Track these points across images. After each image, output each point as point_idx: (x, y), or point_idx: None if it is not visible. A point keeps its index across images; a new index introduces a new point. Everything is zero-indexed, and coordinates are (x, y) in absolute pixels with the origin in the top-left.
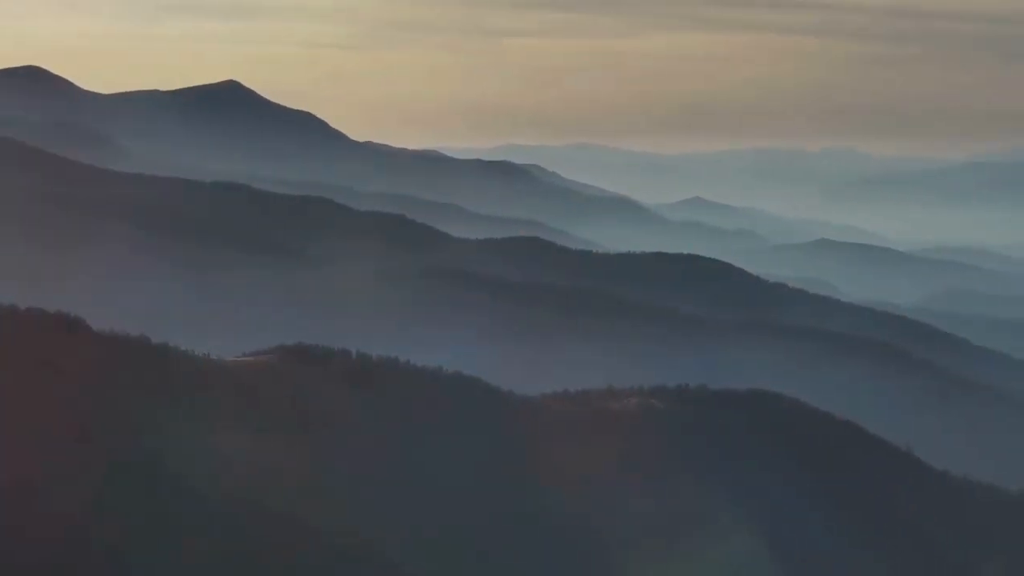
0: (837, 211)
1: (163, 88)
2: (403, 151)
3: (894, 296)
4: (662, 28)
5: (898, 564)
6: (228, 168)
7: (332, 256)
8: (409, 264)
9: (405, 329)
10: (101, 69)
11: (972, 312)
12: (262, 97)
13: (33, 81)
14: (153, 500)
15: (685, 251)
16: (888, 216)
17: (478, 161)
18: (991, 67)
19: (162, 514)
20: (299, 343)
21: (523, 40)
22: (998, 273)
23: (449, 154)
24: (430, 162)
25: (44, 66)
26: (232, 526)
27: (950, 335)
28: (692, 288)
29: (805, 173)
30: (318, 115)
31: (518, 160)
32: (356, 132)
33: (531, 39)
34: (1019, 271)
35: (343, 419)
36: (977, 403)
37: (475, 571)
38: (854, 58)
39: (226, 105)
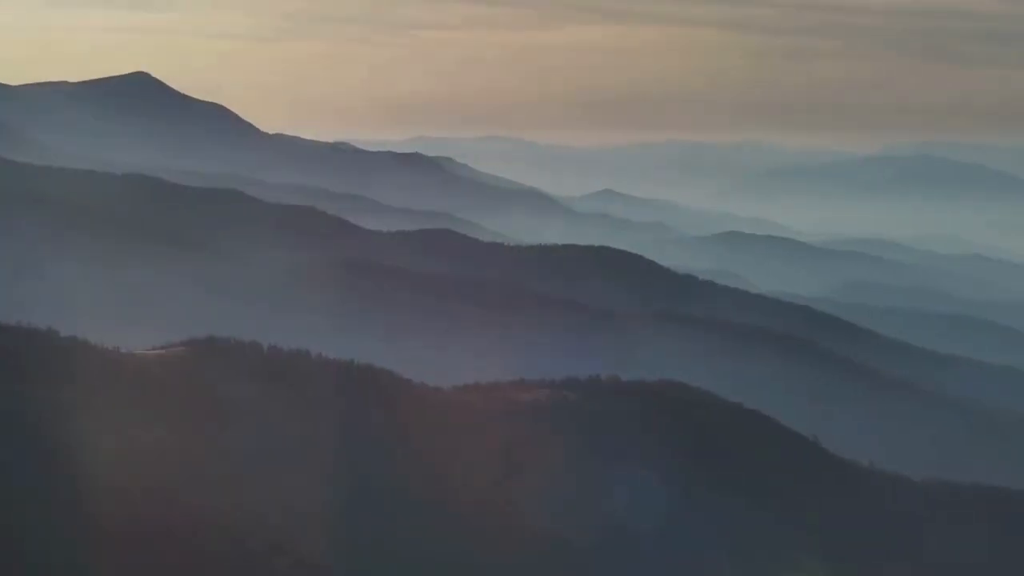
0: (746, 203)
1: (72, 79)
2: (314, 143)
3: (803, 287)
4: (574, 21)
5: (801, 553)
6: (138, 160)
7: (243, 248)
8: (320, 256)
9: (316, 321)
10: (8, 60)
11: (879, 303)
12: (172, 89)
13: None
14: (61, 494)
15: (596, 243)
16: (797, 208)
17: (390, 153)
18: (899, 61)
19: (70, 508)
20: (210, 336)
21: (435, 32)
22: (905, 265)
23: (360, 146)
24: (341, 154)
25: None
26: (141, 518)
27: (857, 326)
28: (603, 280)
29: (715, 165)
30: (228, 107)
31: (429, 152)
32: (267, 124)
33: (443, 31)
34: (925, 263)
35: (254, 412)
36: (884, 393)
37: (382, 561)
38: (764, 51)
39: (136, 97)
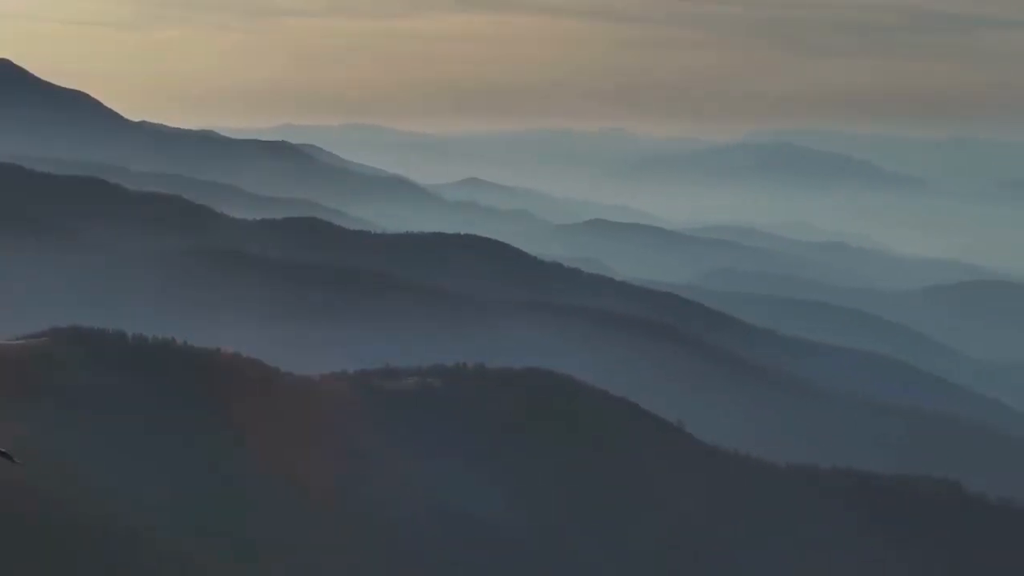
0: (611, 192)
1: None
2: (179, 131)
3: (667, 275)
4: (441, 9)
5: (665, 538)
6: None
7: (107, 237)
8: (186, 245)
9: (182, 310)
10: None
11: (743, 290)
12: (35, 76)
13: None
14: None
15: (462, 231)
16: (661, 196)
17: (255, 141)
18: (761, 51)
19: None
20: (73, 325)
21: (300, 20)
22: (768, 252)
23: (225, 134)
24: (206, 142)
25: None
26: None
27: (721, 313)
28: (468, 268)
29: (580, 154)
30: (92, 94)
31: (295, 140)
32: (131, 112)
33: (308, 19)
34: (787, 250)
35: (117, 401)
36: (747, 380)
37: (241, 549)
38: (628, 40)
39: None
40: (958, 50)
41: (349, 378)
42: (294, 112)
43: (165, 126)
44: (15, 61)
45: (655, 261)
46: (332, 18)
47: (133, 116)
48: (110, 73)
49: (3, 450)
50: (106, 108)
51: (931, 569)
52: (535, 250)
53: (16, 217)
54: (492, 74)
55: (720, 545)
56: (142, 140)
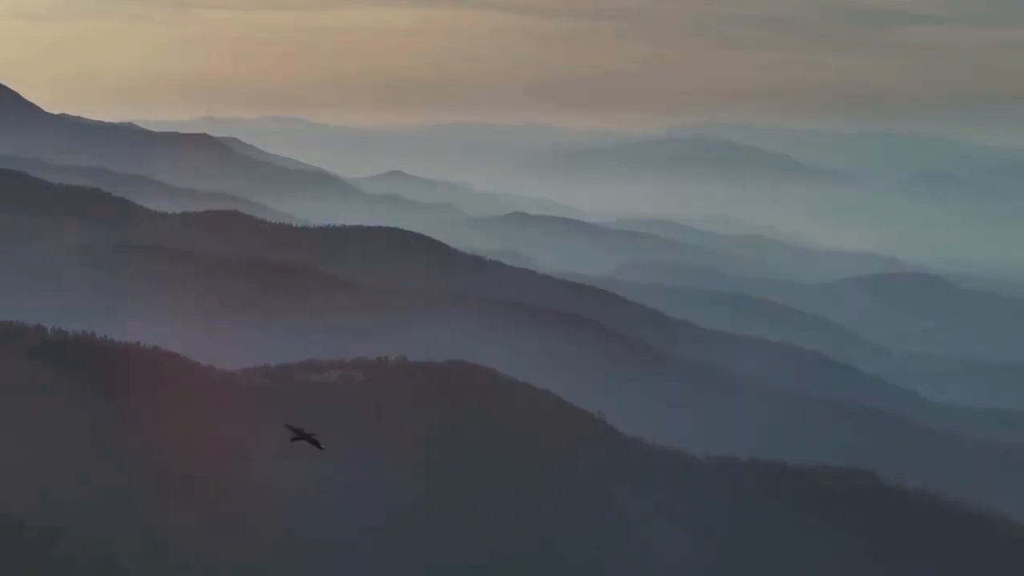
0: (533, 184)
1: None
2: (99, 124)
3: (587, 267)
4: (363, 3)
5: (587, 528)
6: None
7: (26, 230)
8: (105, 238)
9: (102, 304)
10: None
11: (663, 283)
12: None
13: None
14: None
15: (384, 224)
16: (582, 189)
17: (176, 134)
18: (682, 45)
19: None
20: None
21: (222, 12)
22: (686, 244)
23: (146, 127)
24: (126, 135)
25: None
26: None
27: (641, 305)
28: (391, 261)
29: (502, 147)
30: (10, 86)
31: (216, 133)
32: (50, 104)
33: (230, 11)
34: (707, 242)
35: (36, 395)
36: (667, 371)
37: (162, 547)
38: (550, 35)
39: None
40: (874, 45)
41: (271, 371)
42: (215, 105)
43: (85, 119)
44: None
45: (576, 254)
46: (254, 11)
47: (52, 109)
48: (28, 65)
49: (311, 433)
50: (25, 100)
51: (850, 556)
52: (457, 243)
53: None
54: (415, 67)
55: (642, 535)
56: (62, 133)
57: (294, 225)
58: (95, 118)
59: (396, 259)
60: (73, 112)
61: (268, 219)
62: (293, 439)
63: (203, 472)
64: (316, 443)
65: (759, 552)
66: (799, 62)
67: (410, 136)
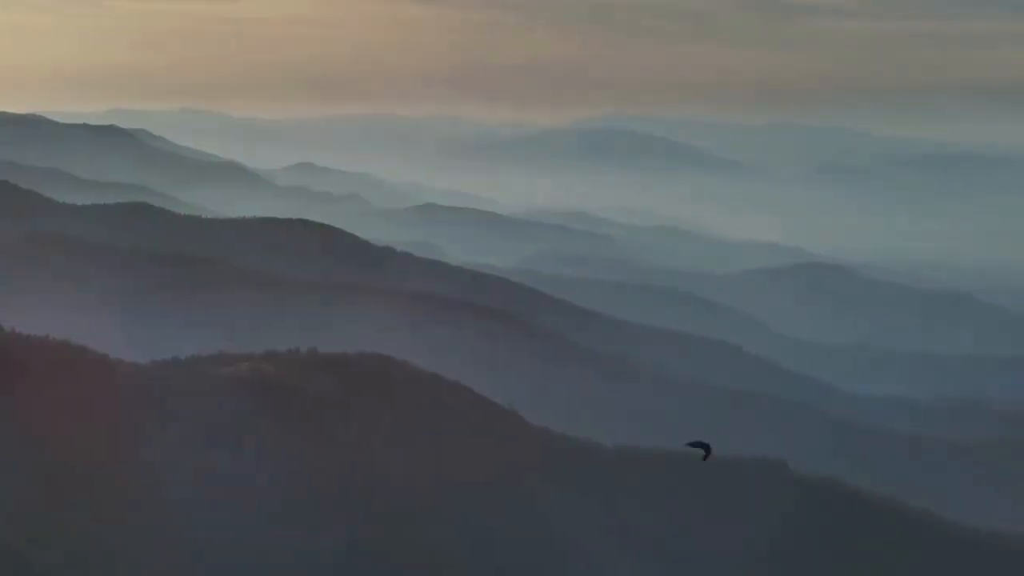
0: (443, 176)
1: None
2: (5, 115)
3: (498, 259)
4: None
5: (499, 521)
6: None
7: None
8: (13, 230)
9: (9, 297)
10: None
11: (573, 274)
12: None
13: None
14: None
15: (294, 216)
16: (492, 180)
17: (84, 125)
18: (592, 37)
19: None
20: None
21: (131, 2)
22: (597, 236)
23: (54, 118)
24: (33, 126)
25: None
26: None
27: (552, 296)
28: (301, 253)
29: (412, 138)
30: None
31: (125, 124)
32: None
33: (139, 1)
34: (617, 233)
35: None
36: (578, 363)
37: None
38: (461, 25)
39: None
40: (781, 37)
41: (181, 364)
42: (124, 96)
43: None
44: None
45: (487, 245)
46: (163, 1)
47: None
48: None
49: (704, 445)
50: None
51: (759, 545)
52: (367, 234)
53: None
54: (326, 58)
55: (552, 524)
56: None
57: (204, 217)
58: (1, 109)
59: (307, 250)
60: None
61: (178, 211)
62: (704, 457)
63: (111, 467)
64: (707, 449)
65: (670, 541)
66: (708, 54)
67: (320, 127)
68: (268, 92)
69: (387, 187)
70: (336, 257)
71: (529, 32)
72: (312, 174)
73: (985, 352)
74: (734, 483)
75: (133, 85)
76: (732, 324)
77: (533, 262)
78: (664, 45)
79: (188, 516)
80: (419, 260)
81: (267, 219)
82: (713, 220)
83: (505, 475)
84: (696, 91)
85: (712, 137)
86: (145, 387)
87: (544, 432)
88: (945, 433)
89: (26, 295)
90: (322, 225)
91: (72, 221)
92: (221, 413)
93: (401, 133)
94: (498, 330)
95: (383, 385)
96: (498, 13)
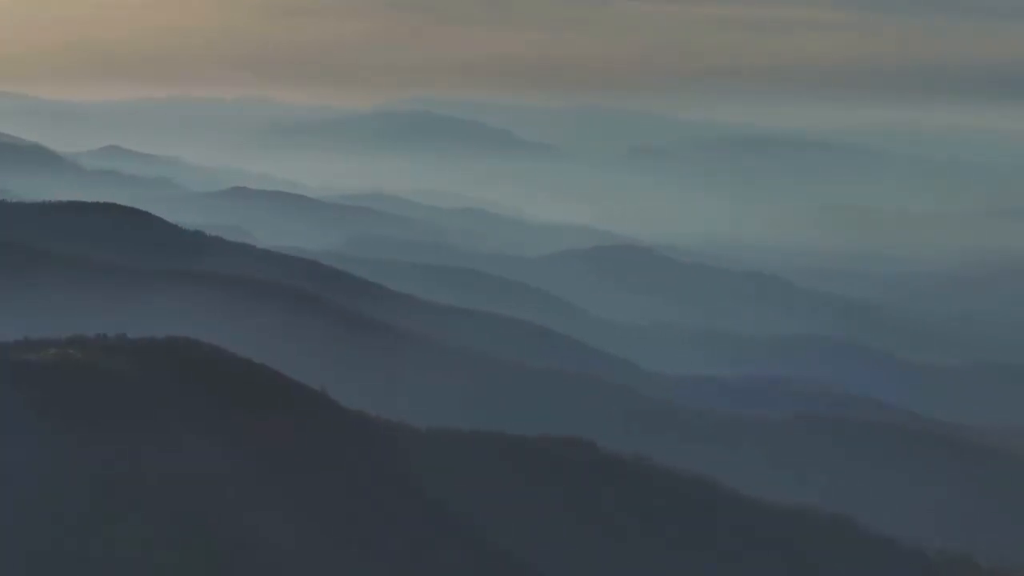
0: (253, 159)
1: None
2: None
3: (309, 242)
4: None
5: (306, 500)
6: None
7: None
8: None
9: None
10: None
11: (383, 257)
12: None
13: None
14: None
15: (102, 199)
16: (302, 163)
17: None
18: (398, 19)
19: None
20: None
21: None
22: (406, 218)
23: None
24: None
25: None
26: None
27: (363, 279)
28: (110, 237)
29: (222, 121)
30: None
31: None
32: None
33: None
34: (429, 216)
35: None
36: (390, 344)
37: None
38: (269, 8)
39: None
40: (590, 20)
41: None
42: None
43: None
44: None
45: (297, 228)
46: None
47: None
48: None
49: None
50: None
51: (569, 522)
52: (177, 218)
53: None
54: (133, 40)
55: (368, 506)
56: None
57: (9, 201)
58: None
59: (115, 235)
60: None
61: None
62: None
63: None
64: None
65: (484, 520)
66: (516, 37)
67: (129, 110)
68: (76, 74)
69: (197, 171)
70: (145, 241)
71: (335, 15)
72: (121, 158)
73: (785, 332)
74: (544, 462)
75: None
76: (541, 305)
77: (343, 245)
78: (470, 27)
79: None
80: (230, 244)
81: (74, 203)
82: (522, 203)
83: (318, 456)
84: (503, 74)
85: (520, 120)
86: None
87: (358, 415)
88: (748, 411)
89: None
90: (131, 209)
91: None
92: (25, 398)
93: (211, 116)
94: (309, 313)
95: (192, 369)
96: None
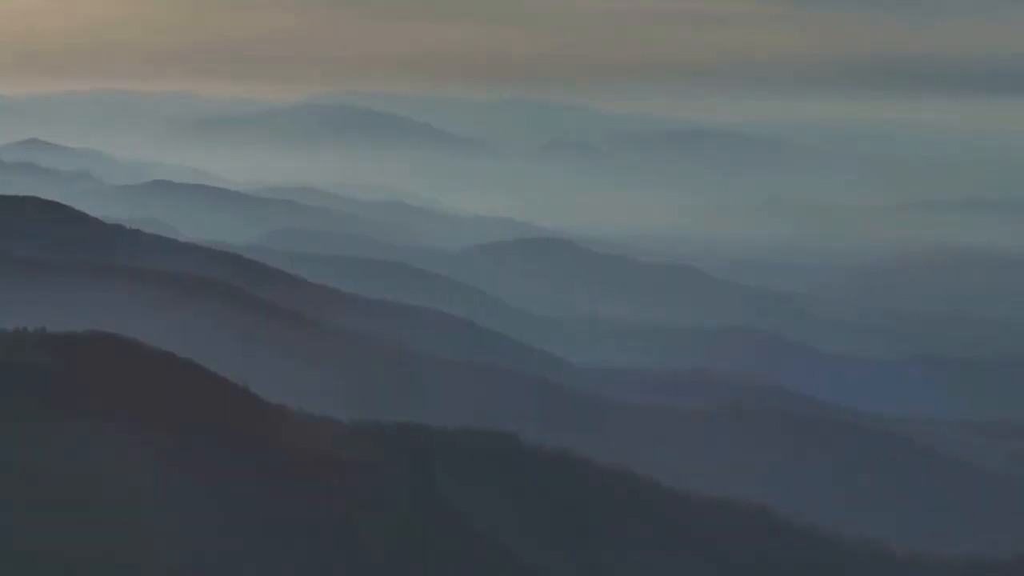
0: (175, 152)
1: None
2: None
3: (231, 235)
4: None
5: (216, 492)
6: None
7: None
8: None
9: None
10: None
11: (307, 250)
12: None
13: None
14: None
15: (21, 193)
16: (225, 157)
17: None
18: (326, 13)
19: None
20: None
21: None
22: (329, 211)
23: None
24: None
25: None
26: None
27: (286, 273)
28: (28, 230)
29: (143, 114)
30: None
31: None
32: None
33: None
34: (352, 209)
35: None
36: (312, 338)
37: None
38: (197, 1)
39: None
40: (513, 13)
41: None
42: None
43: None
44: None
45: (219, 222)
46: None
47: None
48: None
49: None
50: None
51: (490, 513)
52: (97, 211)
53: None
54: (54, 32)
55: (282, 500)
56: None
57: None
58: None
59: (33, 229)
60: None
61: None
62: None
63: None
64: None
65: (400, 514)
66: (438, 30)
67: (48, 103)
68: None
69: (117, 164)
70: (64, 235)
71: (260, 8)
72: (40, 151)
73: (708, 325)
74: (465, 455)
75: None
76: (463, 298)
77: (265, 238)
78: (395, 21)
79: None
80: (150, 237)
81: None
82: (444, 195)
83: (238, 449)
84: (426, 67)
85: (443, 113)
86: None
87: (279, 408)
88: (670, 402)
89: None
90: (50, 202)
91: None
92: None
93: (132, 109)
94: (231, 307)
95: (113, 364)
96: None
